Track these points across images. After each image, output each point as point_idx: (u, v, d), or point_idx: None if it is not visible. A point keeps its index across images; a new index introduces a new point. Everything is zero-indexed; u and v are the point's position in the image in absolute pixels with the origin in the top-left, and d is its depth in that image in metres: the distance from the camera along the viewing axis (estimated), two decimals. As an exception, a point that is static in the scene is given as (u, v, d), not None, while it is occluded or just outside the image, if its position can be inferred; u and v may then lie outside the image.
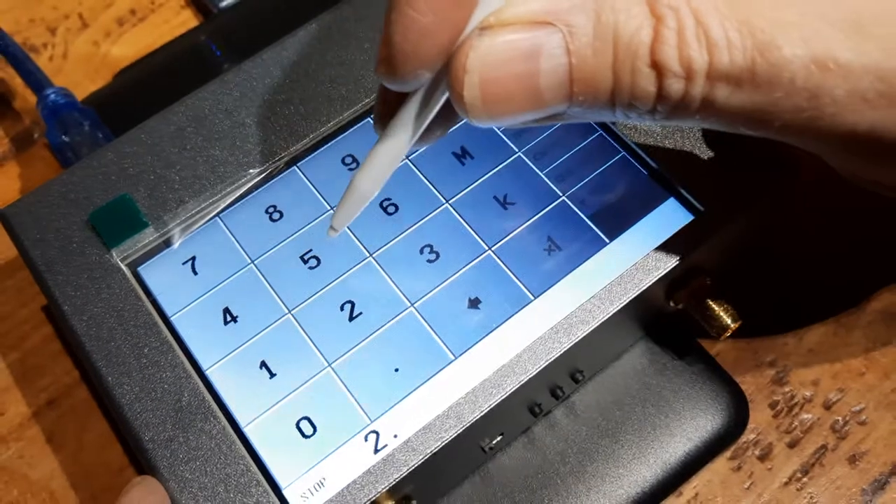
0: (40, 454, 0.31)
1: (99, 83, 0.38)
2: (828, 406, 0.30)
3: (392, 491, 0.23)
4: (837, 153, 0.21)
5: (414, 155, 0.27)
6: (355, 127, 0.28)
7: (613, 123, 0.27)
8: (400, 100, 0.20)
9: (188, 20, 0.40)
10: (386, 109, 0.21)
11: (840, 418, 0.30)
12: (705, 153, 0.26)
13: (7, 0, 0.40)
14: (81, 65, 0.39)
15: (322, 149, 0.27)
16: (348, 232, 0.26)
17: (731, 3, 0.18)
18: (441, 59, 0.19)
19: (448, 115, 0.21)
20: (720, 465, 0.29)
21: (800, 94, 0.18)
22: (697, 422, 0.28)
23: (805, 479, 0.29)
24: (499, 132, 0.27)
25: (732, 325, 0.26)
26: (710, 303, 0.26)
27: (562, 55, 0.18)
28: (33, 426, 0.31)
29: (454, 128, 0.27)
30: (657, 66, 0.18)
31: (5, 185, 0.36)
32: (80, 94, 0.36)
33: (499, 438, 0.26)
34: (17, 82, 0.38)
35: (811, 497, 0.28)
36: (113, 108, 0.34)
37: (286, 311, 0.25)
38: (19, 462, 0.31)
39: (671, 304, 0.27)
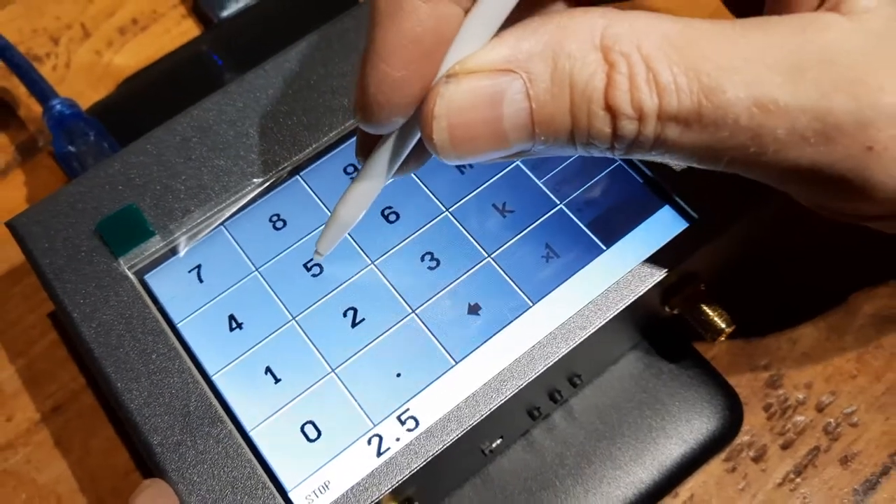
0: (47, 459, 0.31)
1: (101, 92, 0.38)
2: (820, 408, 0.30)
3: (395, 493, 0.24)
4: (788, 186, 0.22)
5: (414, 164, 0.28)
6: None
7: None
8: (376, 139, 0.22)
9: (189, 30, 0.40)
10: (365, 144, 0.23)
11: (832, 420, 0.30)
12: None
13: (10, 11, 0.41)
14: (84, 74, 0.39)
15: (324, 158, 0.28)
16: (350, 240, 0.27)
17: (679, 49, 0.19)
18: (412, 107, 0.20)
19: (421, 152, 0.22)
20: (715, 466, 0.30)
21: (744, 133, 0.19)
22: (693, 424, 0.29)
23: (798, 480, 0.29)
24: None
25: (727, 329, 0.26)
26: (705, 308, 0.27)
27: (522, 100, 0.20)
28: (41, 431, 0.32)
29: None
30: (611, 110, 0.19)
31: (10, 194, 0.36)
32: (83, 102, 0.36)
33: (499, 441, 0.27)
34: (20, 91, 0.39)
35: (804, 497, 0.29)
36: (117, 117, 0.35)
37: (290, 317, 0.26)
38: (27, 466, 0.31)
39: (667, 309, 0.27)
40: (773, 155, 0.20)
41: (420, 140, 0.21)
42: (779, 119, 0.19)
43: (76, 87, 0.39)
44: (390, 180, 0.22)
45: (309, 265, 0.26)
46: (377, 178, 0.22)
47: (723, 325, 0.26)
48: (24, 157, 0.37)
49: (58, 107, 0.33)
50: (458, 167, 0.28)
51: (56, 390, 0.33)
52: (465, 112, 0.20)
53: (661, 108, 0.19)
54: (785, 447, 0.30)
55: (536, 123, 0.20)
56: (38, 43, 0.40)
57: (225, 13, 0.38)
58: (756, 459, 0.30)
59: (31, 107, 0.39)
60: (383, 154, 0.21)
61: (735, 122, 0.19)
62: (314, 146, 0.28)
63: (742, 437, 0.30)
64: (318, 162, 0.28)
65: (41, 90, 0.33)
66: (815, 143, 0.19)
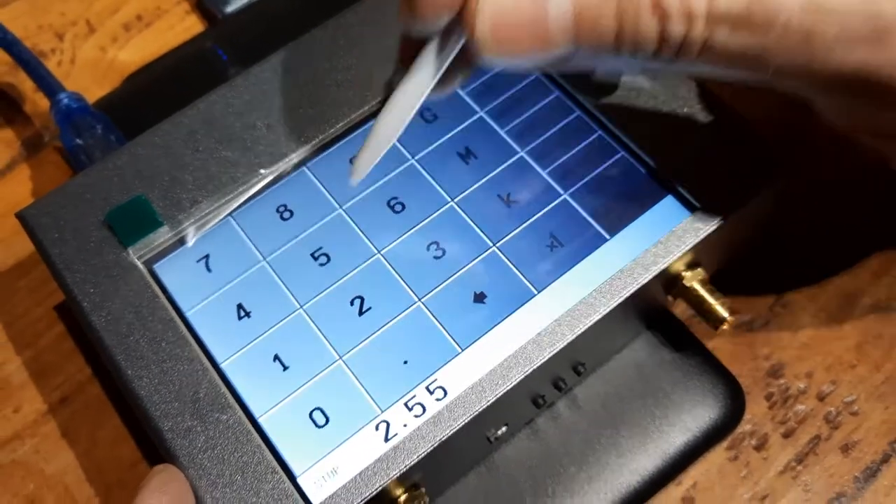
0: (55, 449, 0.32)
1: (106, 88, 0.39)
2: (821, 397, 0.31)
3: (402, 479, 0.24)
4: (830, 97, 0.22)
5: (419, 156, 0.28)
6: (362, 128, 0.29)
7: (613, 124, 0.28)
8: (420, 47, 0.22)
9: (193, 26, 0.40)
10: (407, 55, 0.23)
11: (833, 409, 0.30)
12: (702, 151, 0.27)
13: (15, 7, 0.41)
14: (89, 70, 0.39)
15: (330, 150, 0.28)
16: (357, 230, 0.27)
17: None
18: (458, 3, 0.20)
19: (463, 64, 0.22)
20: (717, 454, 0.30)
21: (794, 35, 0.20)
22: (695, 413, 0.29)
23: (800, 468, 0.30)
24: (502, 133, 0.28)
25: (729, 318, 0.27)
26: (707, 296, 0.27)
27: (567, 1, 0.20)
28: (48, 422, 0.32)
29: (459, 127, 0.28)
30: (659, 10, 0.19)
31: (17, 188, 0.37)
32: (89, 97, 0.37)
33: (504, 429, 0.27)
34: (26, 87, 0.39)
35: (805, 485, 0.29)
36: (123, 111, 0.35)
37: (298, 306, 0.26)
38: (35, 457, 0.32)
39: (669, 297, 0.28)
40: (822, 58, 0.20)
41: (463, 52, 0.21)
42: (829, 20, 0.19)
43: (81, 82, 0.39)
44: (432, 96, 0.22)
45: (316, 254, 0.27)
46: (422, 82, 0.22)
47: (725, 314, 0.27)
48: (29, 152, 0.38)
49: (65, 101, 0.33)
50: (462, 157, 0.28)
51: (63, 382, 0.33)
52: (509, 9, 0.20)
53: (710, 9, 0.19)
54: (786, 436, 0.30)
55: (581, 26, 0.20)
56: (43, 39, 0.40)
57: (229, 9, 0.38)
58: (758, 448, 0.30)
59: (36, 102, 0.39)
60: (429, 56, 0.22)
61: (786, 23, 0.19)
62: (320, 138, 0.28)
63: (744, 426, 0.30)
64: (324, 153, 0.28)
65: (49, 85, 0.33)
66: (865, 45, 0.20)
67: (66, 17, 0.41)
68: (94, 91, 0.38)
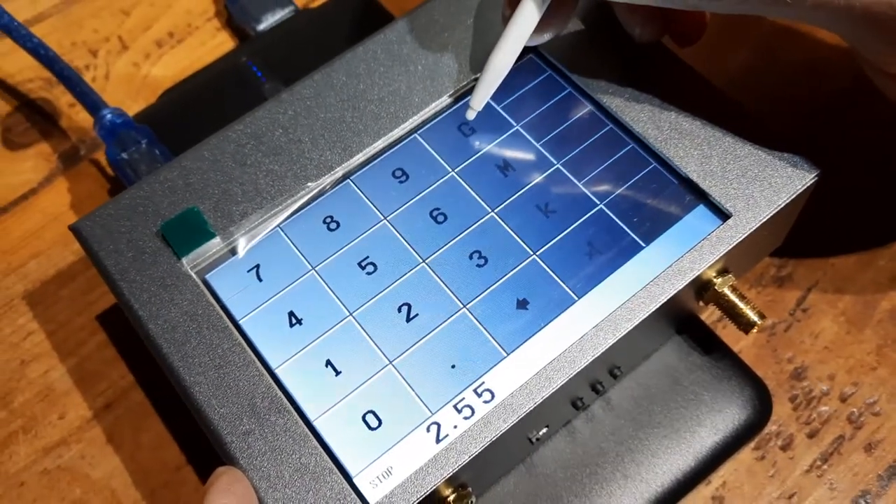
0: (100, 454, 0.33)
1: (140, 103, 0.40)
2: (843, 399, 0.32)
3: (452, 478, 0.25)
4: (864, 32, 0.24)
5: (460, 168, 0.29)
6: (404, 142, 0.30)
7: (645, 135, 0.29)
8: None
9: (224, 42, 0.42)
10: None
11: (855, 410, 0.32)
12: (732, 160, 0.28)
13: (49, 23, 0.42)
14: (123, 85, 0.41)
15: (373, 163, 0.29)
16: (402, 240, 0.28)
17: None
18: None
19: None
20: (745, 455, 0.31)
21: None
22: (725, 414, 0.30)
23: (825, 467, 0.31)
24: (538, 146, 0.29)
25: (759, 322, 0.28)
26: (738, 301, 0.28)
27: None
28: (93, 428, 0.33)
29: (497, 141, 0.29)
30: None
31: (56, 200, 0.38)
32: (123, 113, 0.38)
33: (544, 430, 0.28)
34: (62, 102, 0.40)
35: (831, 483, 0.30)
36: (161, 125, 0.36)
37: (347, 313, 0.27)
38: (81, 462, 0.32)
39: (701, 303, 0.29)
40: None
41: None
42: None
43: (116, 97, 0.40)
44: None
45: (363, 263, 0.28)
46: (525, 26, 0.26)
47: (755, 318, 0.28)
48: (66, 165, 0.39)
49: (108, 116, 0.34)
50: (501, 170, 0.29)
51: (106, 388, 0.34)
52: None
53: None
54: (811, 436, 0.31)
55: None
56: (77, 55, 0.41)
57: (262, 26, 0.39)
58: (784, 448, 0.31)
59: (72, 117, 0.40)
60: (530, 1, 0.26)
61: None
62: (364, 151, 0.29)
63: (770, 427, 0.31)
64: (368, 166, 0.29)
65: (91, 101, 0.34)
66: None
67: (99, 33, 0.42)
68: (128, 106, 0.40)
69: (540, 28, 0.28)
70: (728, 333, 0.32)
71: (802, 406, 0.32)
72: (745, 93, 0.37)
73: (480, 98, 0.28)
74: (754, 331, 0.28)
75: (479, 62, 0.30)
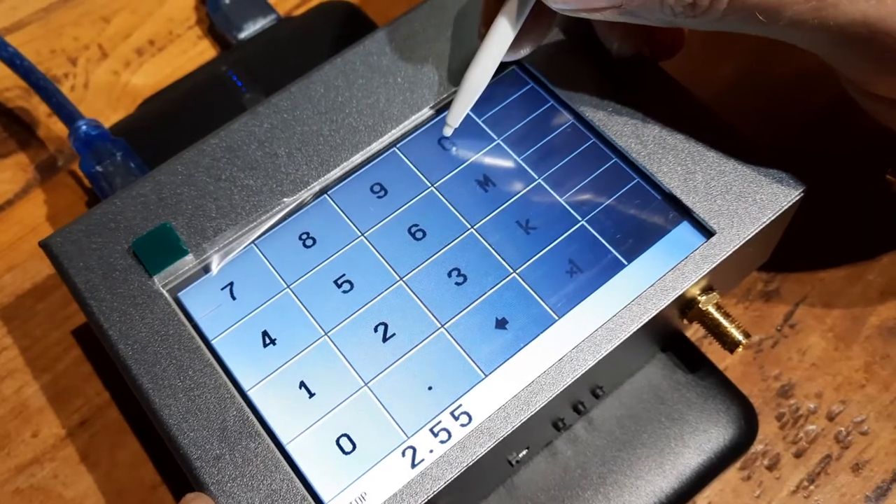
0: (74, 473, 0.32)
1: (120, 112, 0.39)
2: (831, 417, 0.31)
3: None
4: (840, 51, 0.24)
5: (439, 182, 0.29)
6: (382, 156, 0.29)
7: (628, 150, 0.28)
8: (499, 7, 0.26)
9: (205, 51, 0.41)
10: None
11: (843, 429, 0.31)
12: (716, 176, 0.28)
13: (29, 31, 0.41)
14: (102, 94, 0.40)
15: (351, 178, 0.29)
16: (379, 257, 0.27)
17: None
18: None
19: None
20: (731, 475, 0.30)
21: None
22: (709, 434, 0.30)
23: (812, 487, 0.30)
24: (519, 160, 0.29)
25: (743, 341, 0.27)
26: (723, 320, 0.27)
27: None
28: (67, 446, 0.32)
29: (477, 155, 0.28)
30: None
31: (33, 212, 0.37)
32: (102, 122, 0.37)
33: (524, 452, 0.27)
34: (40, 112, 0.40)
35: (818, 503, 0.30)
36: (139, 135, 0.35)
37: (322, 333, 0.26)
38: (54, 482, 0.32)
39: (685, 321, 0.28)
40: (832, 9, 0.22)
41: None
42: None
43: (95, 106, 0.39)
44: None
45: (339, 281, 0.27)
46: (505, 35, 0.26)
47: (740, 338, 0.27)
48: (44, 176, 0.38)
49: (84, 128, 0.33)
50: (481, 185, 0.28)
51: (82, 405, 0.33)
52: None
53: None
54: (798, 455, 0.31)
55: None
56: (56, 63, 0.40)
57: (242, 35, 0.38)
58: (770, 468, 0.31)
59: (49, 127, 0.39)
60: (510, 11, 0.26)
61: None
62: (342, 165, 0.29)
63: (756, 447, 0.31)
64: (346, 181, 0.29)
65: (67, 112, 0.34)
66: None
67: (79, 41, 0.41)
68: (107, 115, 0.39)
69: (516, 44, 0.27)
70: (714, 350, 0.31)
71: (789, 425, 0.31)
72: (731, 107, 0.37)
73: (456, 115, 0.28)
74: (739, 350, 0.28)
75: (460, 73, 0.30)
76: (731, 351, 0.28)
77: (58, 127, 0.39)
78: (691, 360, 0.31)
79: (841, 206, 0.34)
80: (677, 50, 0.30)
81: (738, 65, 0.38)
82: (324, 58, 0.31)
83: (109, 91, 0.40)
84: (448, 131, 0.28)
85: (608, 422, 0.29)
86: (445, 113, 0.28)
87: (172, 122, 0.36)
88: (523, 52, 0.28)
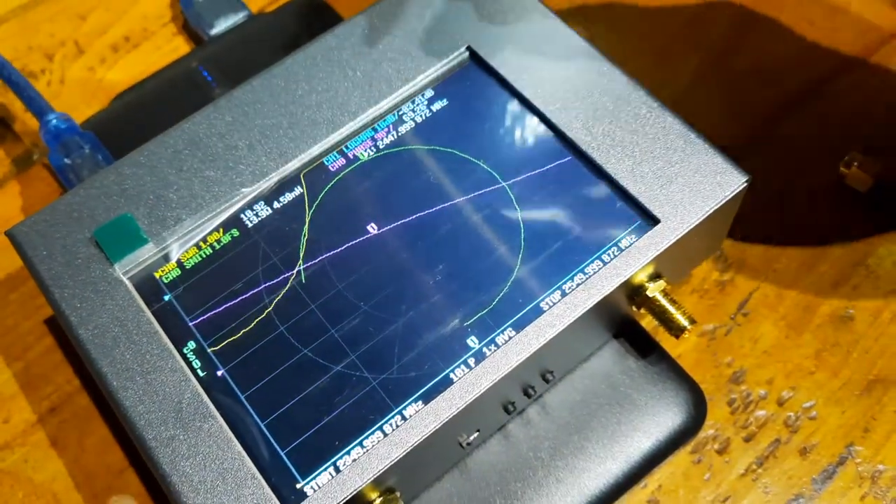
0: (44, 458, 0.33)
1: (95, 107, 0.40)
2: (781, 403, 0.32)
3: (376, 482, 0.25)
4: None
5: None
6: (341, 149, 0.30)
7: (578, 141, 0.29)
8: None
9: (179, 47, 0.42)
10: None
11: (792, 414, 0.32)
12: (662, 165, 0.28)
13: (5, 28, 0.42)
14: (78, 89, 0.41)
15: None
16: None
17: None
18: None
19: None
20: (681, 458, 0.31)
21: None
22: (660, 418, 0.30)
23: (760, 471, 0.31)
24: (465, 154, 0.30)
25: (689, 326, 0.28)
26: (668, 306, 0.28)
27: None
28: (37, 432, 0.33)
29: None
30: None
31: (7, 204, 0.38)
32: (77, 117, 0.38)
33: (475, 435, 0.28)
34: (16, 106, 0.40)
35: (765, 487, 0.31)
36: (111, 130, 0.36)
37: (280, 327, 0.27)
38: (24, 466, 0.33)
39: (633, 308, 0.29)
40: None
41: None
42: None
43: (70, 101, 0.40)
44: None
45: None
46: None
47: (685, 323, 0.28)
48: (19, 169, 0.39)
49: (53, 122, 0.34)
50: (430, 176, 0.29)
51: (52, 392, 0.34)
52: None
53: None
54: (747, 440, 0.31)
55: None
56: (33, 59, 0.41)
57: (214, 31, 0.39)
58: (720, 451, 0.31)
59: (25, 122, 0.40)
60: None
61: None
62: (300, 157, 0.29)
63: (707, 431, 0.31)
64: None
65: (38, 106, 0.35)
66: None
67: (55, 38, 0.42)
68: (82, 110, 0.40)
69: None
70: (668, 338, 0.32)
71: (740, 410, 0.32)
72: (694, 99, 0.38)
73: None
74: (685, 335, 0.28)
75: (419, 68, 0.31)
76: (678, 336, 0.28)
77: (34, 121, 0.40)
78: (643, 347, 0.31)
79: (796, 198, 0.35)
80: None
81: (702, 58, 0.39)
82: (294, 54, 0.32)
83: (84, 87, 0.41)
84: None
85: (560, 406, 0.30)
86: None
87: (143, 117, 0.37)
88: None
